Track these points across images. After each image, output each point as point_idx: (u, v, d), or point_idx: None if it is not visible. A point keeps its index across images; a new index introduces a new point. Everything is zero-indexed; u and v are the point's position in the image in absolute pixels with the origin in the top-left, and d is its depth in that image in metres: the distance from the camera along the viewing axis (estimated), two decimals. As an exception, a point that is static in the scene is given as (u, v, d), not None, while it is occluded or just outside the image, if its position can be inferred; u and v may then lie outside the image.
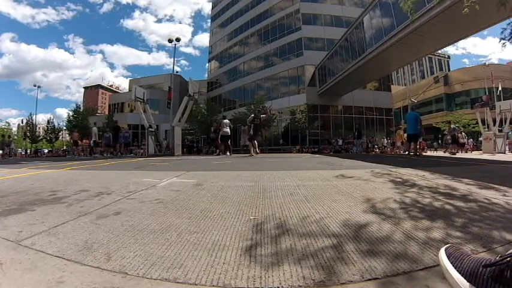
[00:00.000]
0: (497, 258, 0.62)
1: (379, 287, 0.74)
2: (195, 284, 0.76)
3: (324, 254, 0.93)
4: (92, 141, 13.95)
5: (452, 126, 15.12)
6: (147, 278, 0.79)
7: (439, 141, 21.03)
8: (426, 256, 0.90)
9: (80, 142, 14.85)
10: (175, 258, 0.91)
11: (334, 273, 0.80)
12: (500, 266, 0.59)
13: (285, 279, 0.77)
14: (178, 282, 0.77)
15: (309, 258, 0.90)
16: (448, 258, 0.72)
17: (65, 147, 16.84)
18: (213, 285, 0.76)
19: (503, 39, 5.61)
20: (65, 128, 33.09)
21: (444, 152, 14.22)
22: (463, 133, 15.54)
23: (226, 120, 10.59)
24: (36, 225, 1.27)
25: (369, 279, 0.77)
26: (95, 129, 13.93)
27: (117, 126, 13.52)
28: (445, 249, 0.76)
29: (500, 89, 21.73)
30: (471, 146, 19.00)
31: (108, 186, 2.35)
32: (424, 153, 11.23)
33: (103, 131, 15.23)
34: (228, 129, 10.28)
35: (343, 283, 0.76)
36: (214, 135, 12.41)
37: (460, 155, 10.48)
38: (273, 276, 0.79)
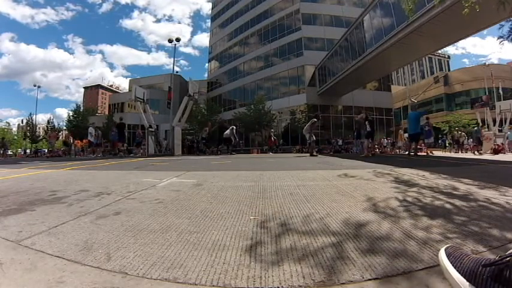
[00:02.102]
0: (497, 258, 0.62)
1: (379, 286, 0.74)
2: (195, 284, 0.76)
3: (324, 253, 0.93)
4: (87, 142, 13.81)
5: (475, 128, 14.90)
6: (147, 278, 0.79)
7: (439, 141, 20.97)
8: (426, 256, 0.90)
9: (79, 143, 14.69)
10: (175, 258, 0.91)
11: (334, 273, 0.80)
12: (500, 265, 0.59)
13: (285, 279, 0.77)
14: (178, 282, 0.77)
15: (309, 258, 0.90)
16: (448, 258, 0.72)
17: (63, 148, 16.68)
18: (213, 285, 0.76)
19: (502, 37, 5.63)
20: (65, 128, 33.10)
21: (469, 152, 13.93)
22: (483, 131, 15.26)
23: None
24: (36, 225, 1.27)
25: (369, 279, 0.77)
26: (91, 129, 13.59)
27: (123, 123, 13.25)
28: (445, 249, 0.77)
29: (500, 90, 21.72)
30: (471, 146, 19.00)
31: (108, 186, 2.35)
32: (423, 153, 11.24)
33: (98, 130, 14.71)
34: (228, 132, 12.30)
35: (343, 283, 0.76)
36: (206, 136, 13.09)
37: (489, 156, 9.89)
38: (273, 276, 0.79)
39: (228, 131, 12.52)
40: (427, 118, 13.35)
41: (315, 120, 8.76)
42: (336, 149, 19.98)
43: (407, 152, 9.19)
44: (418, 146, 13.89)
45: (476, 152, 12.24)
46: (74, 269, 0.85)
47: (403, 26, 12.33)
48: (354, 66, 18.31)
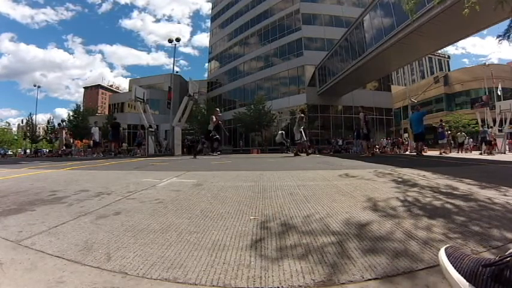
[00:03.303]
0: (497, 258, 0.62)
1: (380, 286, 0.74)
2: (195, 284, 0.76)
3: (324, 254, 0.93)
4: (91, 142, 13.72)
5: (482, 128, 14.86)
6: (147, 278, 0.79)
7: (438, 142, 21.00)
8: (426, 256, 0.90)
9: (79, 143, 14.59)
10: (175, 258, 0.91)
11: (335, 273, 0.80)
12: (500, 265, 0.59)
13: (285, 279, 0.77)
14: (178, 282, 0.77)
15: (309, 258, 0.90)
16: (448, 258, 0.72)
17: (64, 148, 16.65)
18: (213, 285, 0.75)
19: (500, 36, 5.65)
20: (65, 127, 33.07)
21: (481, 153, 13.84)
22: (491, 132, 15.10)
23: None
24: (36, 225, 1.26)
25: (369, 279, 0.77)
26: (94, 128, 13.07)
27: (117, 123, 13.21)
28: (445, 250, 0.77)
29: (500, 90, 21.76)
30: (471, 146, 19.04)
31: (108, 186, 2.35)
32: (425, 153, 11.27)
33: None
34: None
35: (343, 283, 0.75)
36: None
37: (489, 156, 9.84)
38: (273, 276, 0.79)
39: (278, 136, 13.95)
40: (441, 120, 13.68)
41: (302, 115, 8.70)
42: (336, 149, 19.99)
43: (415, 153, 9.09)
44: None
45: (485, 153, 12.16)
46: (74, 269, 0.84)
47: (403, 26, 12.33)
48: (354, 66, 18.32)
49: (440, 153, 11.15)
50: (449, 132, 16.88)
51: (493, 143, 13.26)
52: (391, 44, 13.72)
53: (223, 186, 2.25)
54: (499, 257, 0.62)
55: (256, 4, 33.70)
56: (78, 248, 1.00)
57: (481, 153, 11.94)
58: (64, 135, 13.84)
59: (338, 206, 1.55)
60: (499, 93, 21.48)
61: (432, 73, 60.63)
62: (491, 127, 15.03)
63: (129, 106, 35.14)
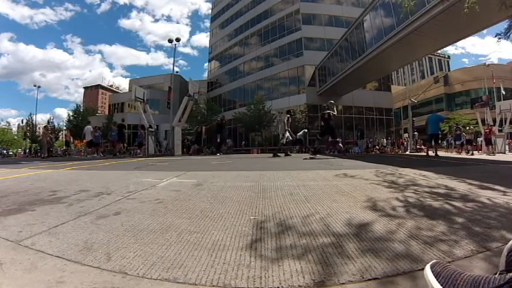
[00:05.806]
0: (497, 276, 0.54)
1: (379, 286, 0.74)
2: (195, 284, 0.76)
3: (324, 254, 0.93)
4: (86, 142, 13.60)
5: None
6: (147, 278, 0.79)
7: (439, 142, 21.02)
8: (426, 256, 0.90)
9: (79, 143, 14.49)
10: (175, 258, 0.91)
11: (334, 273, 0.80)
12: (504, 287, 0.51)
13: (285, 279, 0.77)
14: (178, 282, 0.77)
15: (309, 258, 0.90)
16: (437, 279, 0.62)
17: (64, 147, 16.54)
18: (213, 285, 0.76)
19: (499, 34, 5.66)
20: (65, 128, 33.09)
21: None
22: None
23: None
24: (36, 225, 1.26)
25: (369, 279, 0.77)
26: (89, 127, 12.66)
27: (123, 124, 13.33)
28: (431, 267, 0.66)
29: (502, 90, 21.80)
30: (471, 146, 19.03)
31: (108, 186, 2.35)
32: (423, 153, 11.29)
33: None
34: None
35: (343, 283, 0.75)
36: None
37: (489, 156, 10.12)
38: (273, 276, 0.79)
39: (301, 133, 14.66)
40: (457, 124, 14.17)
41: (288, 116, 8.81)
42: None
43: (428, 153, 9.10)
44: (418, 146, 14.07)
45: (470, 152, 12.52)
46: (74, 269, 0.85)
47: (403, 26, 12.32)
48: (354, 67, 18.31)
49: (459, 153, 12.19)
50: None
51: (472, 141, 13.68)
52: (391, 44, 13.71)
53: (224, 186, 2.25)
54: (499, 274, 0.54)
55: (256, 4, 33.68)
56: (78, 248, 1.00)
57: (468, 153, 12.28)
58: (47, 138, 13.45)
59: (338, 206, 1.55)
60: (503, 92, 21.54)
61: (432, 73, 60.68)
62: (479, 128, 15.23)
63: (129, 106, 35.08)
